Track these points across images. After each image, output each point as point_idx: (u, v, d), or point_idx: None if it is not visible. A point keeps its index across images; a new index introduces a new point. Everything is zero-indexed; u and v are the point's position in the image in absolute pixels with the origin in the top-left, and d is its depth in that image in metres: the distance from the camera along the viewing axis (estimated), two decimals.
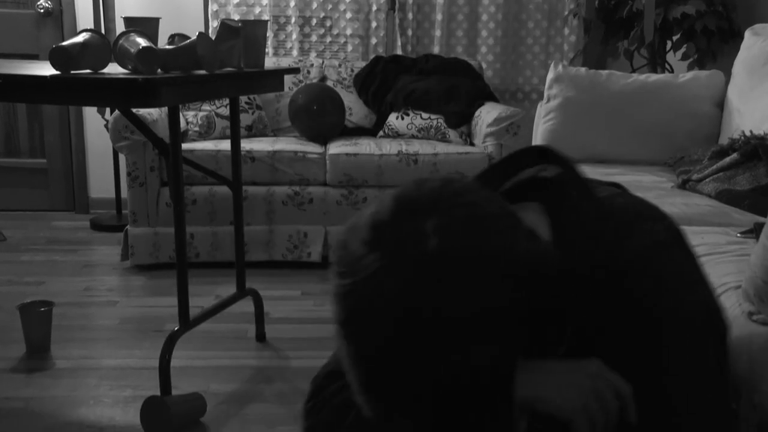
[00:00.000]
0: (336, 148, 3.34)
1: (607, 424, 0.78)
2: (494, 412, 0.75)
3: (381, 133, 3.68)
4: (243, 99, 3.58)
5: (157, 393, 2.02)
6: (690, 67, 3.52)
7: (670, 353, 0.85)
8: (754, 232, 1.79)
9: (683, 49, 3.57)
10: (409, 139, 3.55)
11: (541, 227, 0.88)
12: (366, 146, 3.34)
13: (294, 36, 4.13)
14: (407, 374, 0.71)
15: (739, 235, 1.84)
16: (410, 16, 4.14)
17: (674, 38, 3.63)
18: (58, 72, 1.83)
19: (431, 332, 0.69)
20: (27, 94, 1.95)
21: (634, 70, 3.76)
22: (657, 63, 3.73)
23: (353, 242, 0.75)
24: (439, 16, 4.12)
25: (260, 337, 2.54)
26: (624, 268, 0.87)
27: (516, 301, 0.72)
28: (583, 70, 3.09)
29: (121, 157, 3.84)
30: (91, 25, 3.79)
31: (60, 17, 4.04)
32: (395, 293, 0.70)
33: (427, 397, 0.71)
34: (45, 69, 1.94)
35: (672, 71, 3.73)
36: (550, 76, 3.09)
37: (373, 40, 4.15)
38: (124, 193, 3.90)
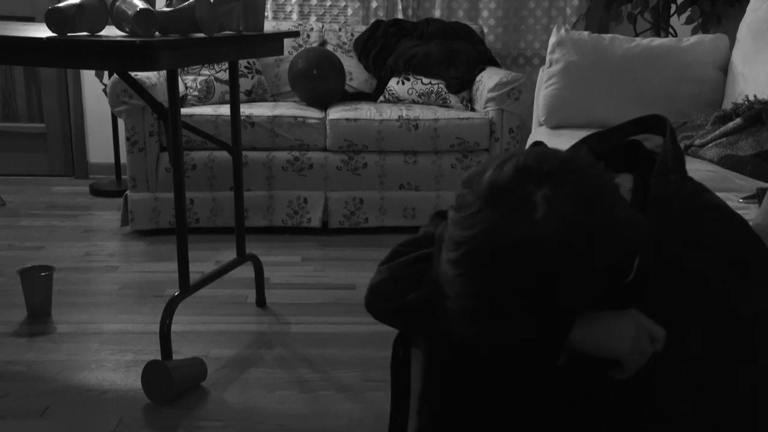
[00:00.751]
0: (336, 113, 3.31)
1: (645, 362, 0.93)
2: (550, 347, 0.91)
3: (381, 98, 3.65)
4: (242, 63, 3.55)
5: (158, 357, 2.03)
6: (694, 31, 3.49)
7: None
8: (757, 197, 1.78)
9: (687, 13, 3.52)
10: (410, 105, 3.52)
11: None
12: (366, 111, 3.32)
13: None
14: (498, 309, 0.84)
15: (741, 200, 1.83)
16: None
17: (678, 1, 3.58)
18: (54, 34, 1.80)
19: (525, 288, 0.83)
20: (23, 57, 1.93)
21: (637, 35, 3.72)
22: (661, 27, 3.69)
23: (472, 194, 0.86)
24: None
25: (260, 302, 2.55)
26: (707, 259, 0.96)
27: (605, 268, 0.83)
28: (585, 34, 3.05)
29: (120, 122, 3.82)
30: None
31: None
32: (501, 251, 0.82)
33: (508, 329, 0.86)
34: (41, 31, 1.91)
35: (676, 35, 3.69)
36: (552, 40, 3.05)
37: (374, 4, 4.10)
38: (124, 158, 3.89)
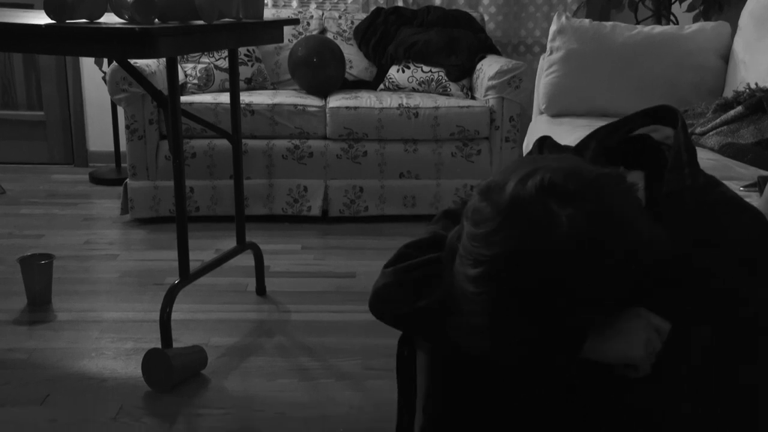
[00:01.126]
0: (336, 101, 3.30)
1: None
2: (562, 360, 0.91)
3: (381, 86, 3.64)
4: (242, 51, 3.53)
5: (158, 345, 2.03)
6: (696, 19, 3.47)
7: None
8: (758, 185, 1.78)
9: (689, 0, 3.50)
10: (410, 93, 3.51)
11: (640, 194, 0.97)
12: (366, 99, 3.31)
13: None
14: (512, 326, 0.84)
15: (742, 188, 1.82)
16: None
17: None
18: (53, 21, 1.79)
19: (544, 309, 0.82)
20: (22, 44, 1.92)
21: (638, 22, 3.70)
22: (662, 14, 3.67)
23: (490, 208, 0.83)
24: None
25: (260, 290, 2.55)
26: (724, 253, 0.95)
27: (625, 291, 0.85)
28: (586, 21, 3.04)
29: (120, 110, 3.81)
30: None
31: None
32: (523, 273, 0.81)
33: (523, 347, 0.86)
34: (40, 18, 1.90)
35: (677, 23, 3.67)
36: (553, 28, 3.04)
37: None
38: (123, 146, 3.88)
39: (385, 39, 3.76)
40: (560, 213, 0.80)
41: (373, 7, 3.97)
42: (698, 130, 2.45)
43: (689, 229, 0.94)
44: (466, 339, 0.90)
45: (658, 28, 3.04)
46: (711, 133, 2.39)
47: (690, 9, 3.50)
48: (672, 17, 3.69)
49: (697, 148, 1.06)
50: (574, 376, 0.96)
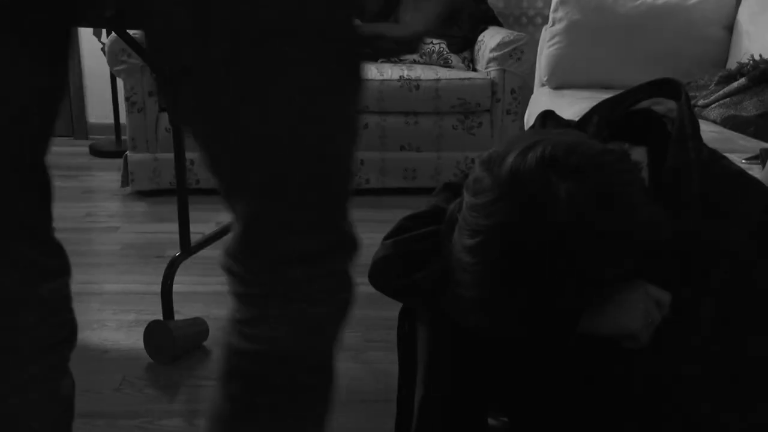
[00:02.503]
0: None
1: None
2: (559, 334, 0.91)
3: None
4: None
5: (160, 318, 2.04)
6: None
7: None
8: (760, 158, 1.77)
9: None
10: (411, 64, 3.49)
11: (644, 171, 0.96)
12: (367, 71, 3.28)
13: None
14: (507, 299, 0.84)
15: (744, 161, 1.82)
16: None
17: None
18: None
19: (538, 281, 0.82)
20: None
21: None
22: None
23: (490, 179, 0.83)
24: None
25: None
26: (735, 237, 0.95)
27: (620, 266, 0.84)
28: None
29: (120, 82, 3.79)
30: None
31: None
32: (518, 244, 0.80)
33: (519, 321, 0.87)
34: None
35: None
36: None
37: None
38: (123, 118, 3.86)
39: (385, 10, 3.72)
40: (559, 186, 0.79)
41: None
42: (701, 102, 2.44)
43: (695, 203, 0.93)
44: (462, 312, 0.90)
45: None
46: (713, 106, 2.38)
47: None
48: None
49: (699, 120, 1.05)
50: (572, 348, 0.97)
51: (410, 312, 1.14)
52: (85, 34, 4.04)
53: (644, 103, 1.05)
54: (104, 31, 3.70)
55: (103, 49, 3.51)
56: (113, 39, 3.05)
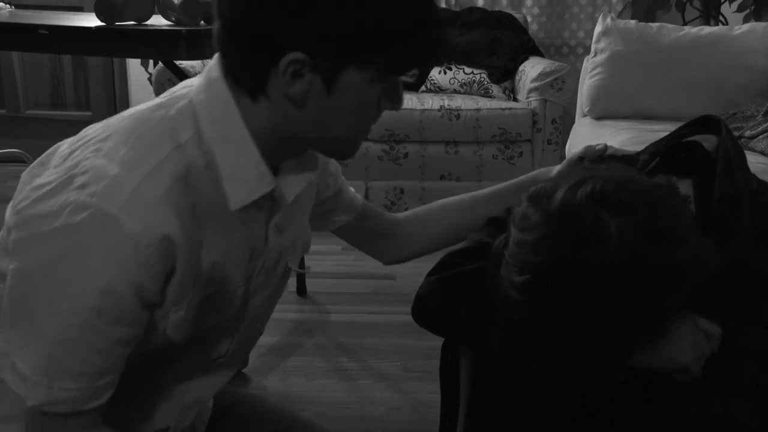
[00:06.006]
0: None
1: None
2: (609, 372, 0.89)
3: (423, 87, 3.63)
4: None
5: None
6: (746, 19, 3.40)
7: None
8: None
9: (739, 0, 3.43)
10: (452, 94, 3.50)
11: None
12: (408, 101, 3.31)
13: None
14: (560, 336, 0.83)
15: None
16: None
17: None
18: (102, 23, 1.83)
19: (585, 319, 0.81)
20: (72, 46, 1.97)
21: (686, 23, 3.64)
22: (711, 15, 3.60)
23: (538, 215, 0.82)
24: None
25: (301, 291, 2.56)
26: None
27: (671, 300, 0.83)
28: (632, 22, 3.00)
29: None
30: None
31: None
32: (569, 282, 0.79)
33: (567, 358, 0.85)
34: (90, 21, 1.94)
35: (726, 23, 3.60)
36: (597, 29, 3.00)
37: None
38: None
39: None
40: (610, 223, 0.78)
41: None
42: (747, 133, 2.40)
43: (747, 233, 0.92)
44: (509, 349, 0.89)
45: (707, 29, 2.98)
46: (761, 137, 2.33)
47: (740, 9, 3.43)
48: (721, 17, 3.62)
49: (746, 151, 1.04)
50: (622, 384, 0.95)
51: (453, 344, 1.13)
52: (133, 64, 4.14)
53: (688, 139, 1.04)
54: (151, 61, 3.79)
55: (149, 79, 3.59)
56: (160, 69, 3.12)
